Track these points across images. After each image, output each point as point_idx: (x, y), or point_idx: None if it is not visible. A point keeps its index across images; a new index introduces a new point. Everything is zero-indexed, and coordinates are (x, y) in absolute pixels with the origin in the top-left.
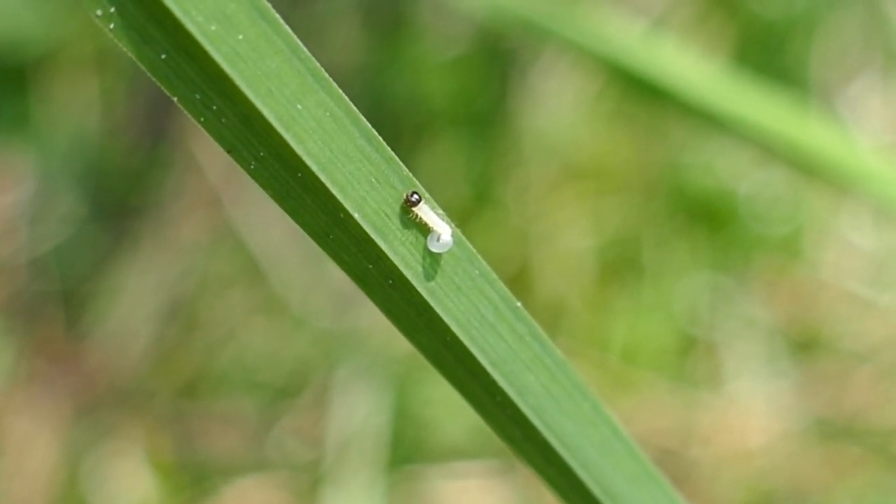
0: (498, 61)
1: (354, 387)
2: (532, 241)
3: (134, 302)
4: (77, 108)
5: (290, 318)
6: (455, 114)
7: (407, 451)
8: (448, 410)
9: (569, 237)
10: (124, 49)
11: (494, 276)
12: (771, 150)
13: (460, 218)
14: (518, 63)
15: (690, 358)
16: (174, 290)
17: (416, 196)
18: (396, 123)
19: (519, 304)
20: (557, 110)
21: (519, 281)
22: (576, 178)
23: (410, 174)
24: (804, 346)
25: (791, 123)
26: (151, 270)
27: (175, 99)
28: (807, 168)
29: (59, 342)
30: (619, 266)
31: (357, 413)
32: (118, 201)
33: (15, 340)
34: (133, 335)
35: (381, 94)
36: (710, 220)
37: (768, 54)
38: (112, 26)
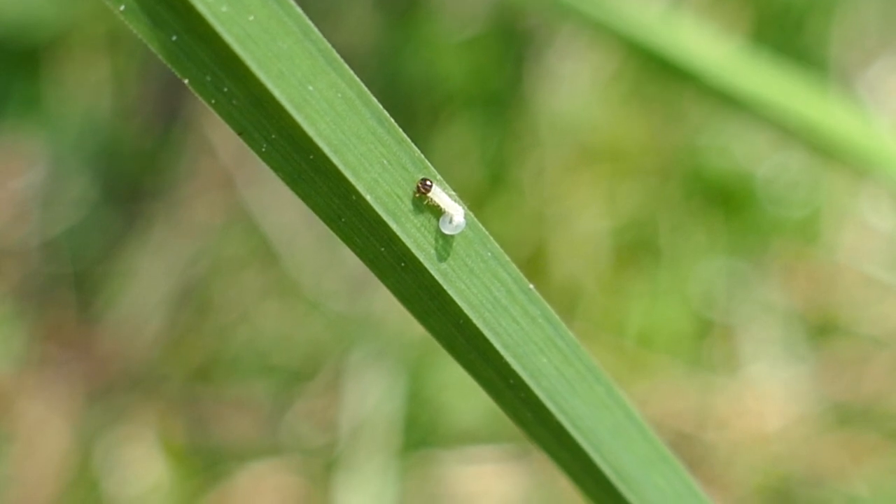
0: (514, 42)
1: (368, 370)
2: (547, 224)
3: (146, 285)
4: (89, 89)
5: (304, 301)
6: (470, 95)
7: (421, 436)
8: (462, 394)
9: (584, 220)
10: (135, 32)
11: (507, 258)
12: (789, 131)
13: (475, 200)
14: (534, 44)
15: (707, 342)
16: (186, 272)
17: (428, 183)
18: (411, 105)
19: (531, 286)
20: (573, 91)
21: (534, 264)
22: (592, 160)
23: (422, 155)
24: (822, 330)
25: (810, 104)
26: (164, 253)
27: (186, 81)
28: (825, 150)
29: (71, 326)
30: (636, 249)
31: (371, 397)
32: (130, 183)
33: (27, 324)
34: (145, 318)
35: (396, 75)
36: (727, 202)
37: (786, 35)
38: (122, 8)
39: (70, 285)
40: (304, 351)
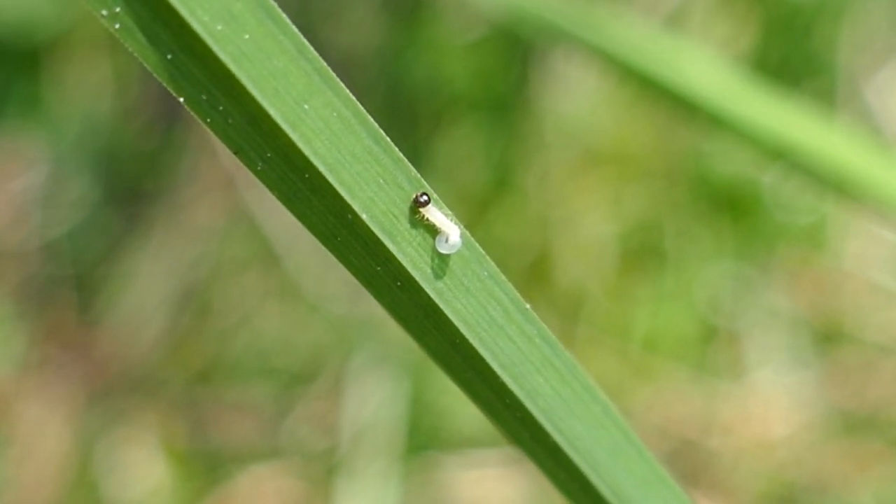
0: (519, 44)
1: (370, 374)
2: (552, 228)
3: (147, 287)
4: (89, 90)
5: (305, 303)
6: (475, 97)
7: (423, 440)
8: (464, 399)
9: (590, 224)
10: (130, 49)
11: (503, 277)
12: (790, 159)
13: (479, 204)
14: (539, 46)
15: (712, 347)
16: (187, 274)
17: (425, 196)
18: (415, 107)
19: (528, 305)
20: (578, 94)
21: (539, 268)
22: (597, 164)
23: (419, 175)
24: (827, 336)
25: (812, 135)
26: (164, 255)
27: (181, 100)
28: (828, 179)
29: (71, 327)
30: (641, 253)
31: (372, 401)
32: (131, 185)
33: (27, 325)
34: (146, 320)
35: (400, 78)
36: (733, 207)
37: (794, 39)
38: (117, 26)
39: (70, 287)
40: (305, 354)
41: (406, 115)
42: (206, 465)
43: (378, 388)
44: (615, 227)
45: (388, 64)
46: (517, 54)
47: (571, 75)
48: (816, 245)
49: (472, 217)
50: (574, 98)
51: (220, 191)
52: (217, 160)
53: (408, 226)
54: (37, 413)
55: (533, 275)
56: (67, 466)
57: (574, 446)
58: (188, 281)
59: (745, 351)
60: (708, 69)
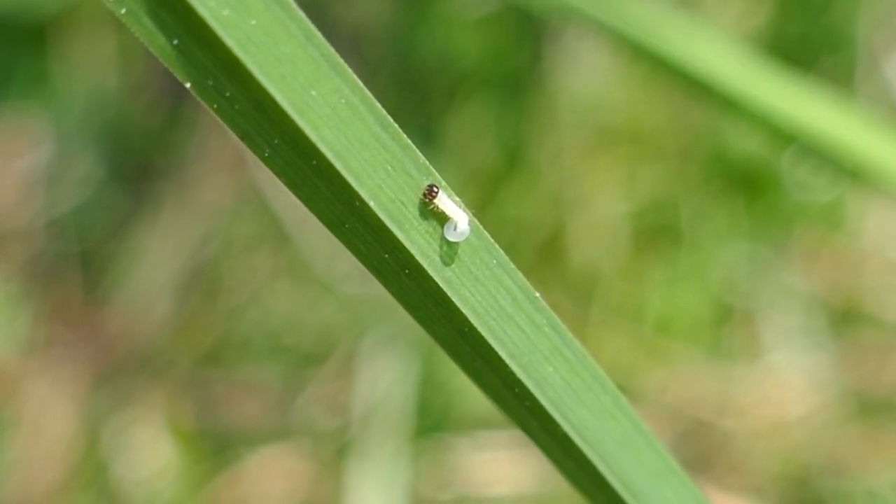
0: (531, 20)
1: (381, 354)
2: (565, 207)
3: (155, 265)
4: (96, 66)
5: (316, 282)
6: (487, 74)
7: (434, 420)
8: None
9: (603, 203)
10: (136, 35)
11: (512, 265)
12: (806, 140)
13: (491, 182)
14: (552, 22)
15: (727, 328)
16: (196, 253)
17: (435, 188)
18: (426, 84)
19: (538, 294)
20: (592, 71)
21: (552, 248)
22: (611, 142)
23: (427, 162)
24: (844, 317)
25: (829, 115)
26: (173, 233)
27: (188, 85)
28: (846, 161)
29: (77, 306)
30: (655, 233)
31: (383, 381)
32: (139, 162)
33: (33, 305)
34: (154, 299)
35: (411, 54)
36: (749, 186)
37: (812, 15)
38: (123, 11)
39: (77, 265)
40: (315, 334)
41: (417, 91)
42: (214, 445)
43: (389, 368)
44: (629, 207)
45: (399, 40)
46: (530, 30)
47: (585, 52)
48: (834, 224)
49: (485, 196)
50: (587, 75)
51: (229, 168)
52: (226, 137)
53: (416, 213)
54: (43, 393)
55: (546, 254)
56: (74, 447)
57: (583, 436)
58: (197, 259)
59: (760, 332)
60: (723, 50)
